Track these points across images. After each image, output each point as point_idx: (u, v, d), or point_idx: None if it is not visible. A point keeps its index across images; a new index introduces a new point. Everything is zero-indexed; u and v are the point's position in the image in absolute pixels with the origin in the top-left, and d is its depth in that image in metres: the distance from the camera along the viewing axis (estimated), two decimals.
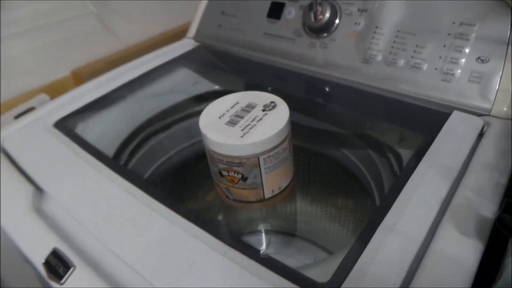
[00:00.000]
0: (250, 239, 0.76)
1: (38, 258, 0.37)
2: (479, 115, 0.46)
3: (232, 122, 0.41)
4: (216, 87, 0.70)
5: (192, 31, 0.75)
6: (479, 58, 0.47)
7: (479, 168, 0.39)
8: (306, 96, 0.61)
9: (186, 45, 0.74)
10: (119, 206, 0.39)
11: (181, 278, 0.32)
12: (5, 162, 0.48)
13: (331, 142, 0.61)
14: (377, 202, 0.49)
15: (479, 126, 0.44)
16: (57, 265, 0.36)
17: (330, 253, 0.70)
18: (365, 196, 0.54)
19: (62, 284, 0.34)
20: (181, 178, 0.70)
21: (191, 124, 0.68)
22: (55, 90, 0.68)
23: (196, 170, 0.69)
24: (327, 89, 0.59)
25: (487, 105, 0.46)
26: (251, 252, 0.33)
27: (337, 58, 0.58)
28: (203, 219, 0.36)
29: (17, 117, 0.57)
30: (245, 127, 0.39)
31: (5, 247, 0.44)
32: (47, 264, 0.36)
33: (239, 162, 0.39)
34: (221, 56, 0.71)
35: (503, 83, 0.45)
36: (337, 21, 0.58)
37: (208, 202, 0.71)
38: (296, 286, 0.30)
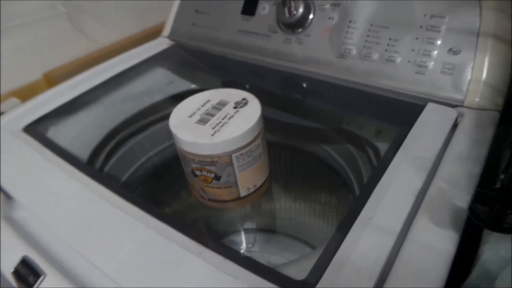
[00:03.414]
0: (235, 238, 0.75)
1: (7, 267, 0.36)
2: (453, 106, 0.47)
3: (202, 121, 0.40)
4: (193, 86, 0.69)
5: (166, 30, 0.74)
6: (450, 49, 0.47)
7: (453, 159, 0.39)
8: (284, 92, 0.61)
9: (160, 44, 0.72)
10: (92, 211, 0.38)
11: (155, 280, 0.31)
12: None
13: (311, 137, 0.61)
14: None
15: (453, 117, 0.44)
16: (27, 274, 0.34)
17: (315, 249, 0.70)
18: (348, 191, 0.54)
19: None
20: (161, 179, 0.69)
21: (168, 125, 0.66)
22: (26, 94, 0.66)
23: (178, 171, 0.68)
24: (304, 85, 0.59)
25: (460, 96, 0.46)
26: (227, 251, 0.32)
27: (312, 53, 0.57)
28: (178, 221, 0.35)
29: None
30: (216, 125, 0.39)
31: None
32: (16, 273, 0.35)
33: (211, 161, 0.38)
34: (197, 55, 0.70)
35: (475, 74, 0.46)
36: (311, 16, 0.57)
37: (191, 203, 0.70)
38: (272, 285, 0.29)
